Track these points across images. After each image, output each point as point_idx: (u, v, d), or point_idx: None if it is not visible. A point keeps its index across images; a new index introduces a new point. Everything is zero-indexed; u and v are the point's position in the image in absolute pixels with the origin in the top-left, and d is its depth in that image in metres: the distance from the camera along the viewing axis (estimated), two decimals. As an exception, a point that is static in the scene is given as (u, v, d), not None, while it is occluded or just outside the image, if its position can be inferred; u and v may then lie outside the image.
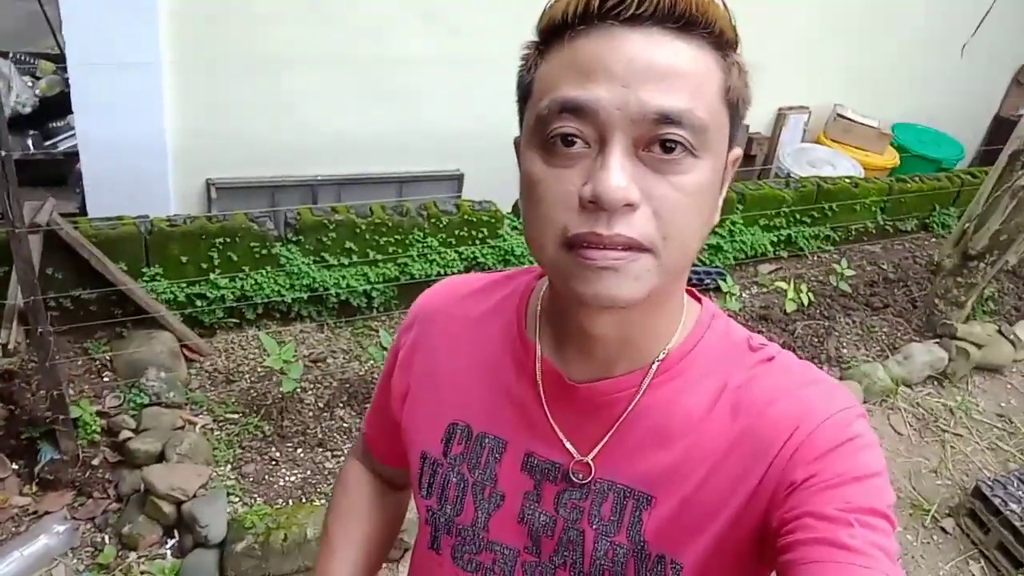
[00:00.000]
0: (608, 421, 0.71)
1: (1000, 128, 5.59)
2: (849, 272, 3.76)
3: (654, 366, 0.70)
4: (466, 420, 0.78)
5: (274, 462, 2.59)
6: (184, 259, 2.86)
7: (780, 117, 4.90)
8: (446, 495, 0.78)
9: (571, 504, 0.72)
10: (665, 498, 0.69)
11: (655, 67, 0.57)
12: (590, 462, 0.71)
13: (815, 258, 4.28)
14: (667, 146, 0.57)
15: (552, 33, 0.62)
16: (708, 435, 0.68)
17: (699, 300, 0.76)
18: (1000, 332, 3.79)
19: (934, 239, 4.67)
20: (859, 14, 4.70)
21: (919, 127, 5.30)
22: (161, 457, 2.46)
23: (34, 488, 2.39)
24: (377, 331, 3.05)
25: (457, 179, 4.00)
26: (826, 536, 0.58)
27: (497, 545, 0.77)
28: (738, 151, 0.67)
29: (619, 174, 0.57)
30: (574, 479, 0.72)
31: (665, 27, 0.58)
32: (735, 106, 0.63)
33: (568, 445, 0.72)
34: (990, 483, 2.81)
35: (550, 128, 0.59)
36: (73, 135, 3.41)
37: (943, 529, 2.85)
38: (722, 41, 0.60)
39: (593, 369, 0.71)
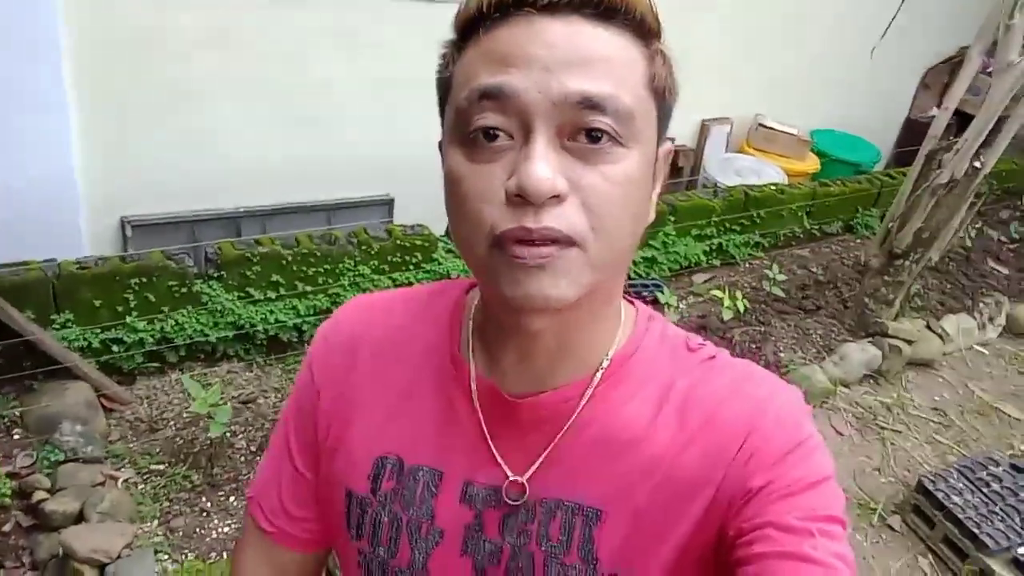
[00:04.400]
0: (550, 436, 0.67)
1: (911, 130, 5.82)
2: (781, 277, 3.81)
3: (597, 375, 0.66)
4: (397, 452, 0.71)
5: (205, 513, 2.44)
6: (97, 303, 2.69)
7: (704, 128, 4.99)
8: (378, 536, 0.71)
9: (518, 528, 0.67)
10: (616, 512, 0.65)
11: (576, 53, 0.55)
12: (524, 481, 0.67)
13: (747, 265, 4.34)
14: (593, 135, 0.55)
15: (469, 27, 0.59)
16: (656, 442, 0.65)
17: (633, 304, 0.73)
18: (928, 327, 3.89)
19: (859, 240, 4.80)
20: (773, 27, 4.84)
21: (837, 132, 5.47)
22: (80, 518, 2.29)
23: (-63, 563, 2.20)
24: (310, 366, 2.93)
25: (387, 204, 3.92)
26: (789, 549, 0.57)
27: None
28: (669, 146, 0.65)
29: (543, 165, 0.54)
30: (508, 500, 0.67)
31: (585, 15, 0.56)
32: (661, 95, 0.60)
33: (506, 467, 0.68)
34: (932, 478, 2.85)
35: (471, 120, 0.56)
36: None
37: (890, 527, 2.88)
38: (644, 29, 0.59)
39: (532, 381, 0.67)
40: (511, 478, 0.67)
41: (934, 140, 3.62)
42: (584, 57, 0.55)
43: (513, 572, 0.67)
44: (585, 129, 0.55)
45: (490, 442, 0.68)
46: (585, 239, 0.56)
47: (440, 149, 0.63)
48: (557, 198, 0.54)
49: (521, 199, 0.54)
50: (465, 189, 0.57)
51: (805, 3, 4.88)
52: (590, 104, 0.54)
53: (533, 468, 0.67)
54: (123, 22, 2.91)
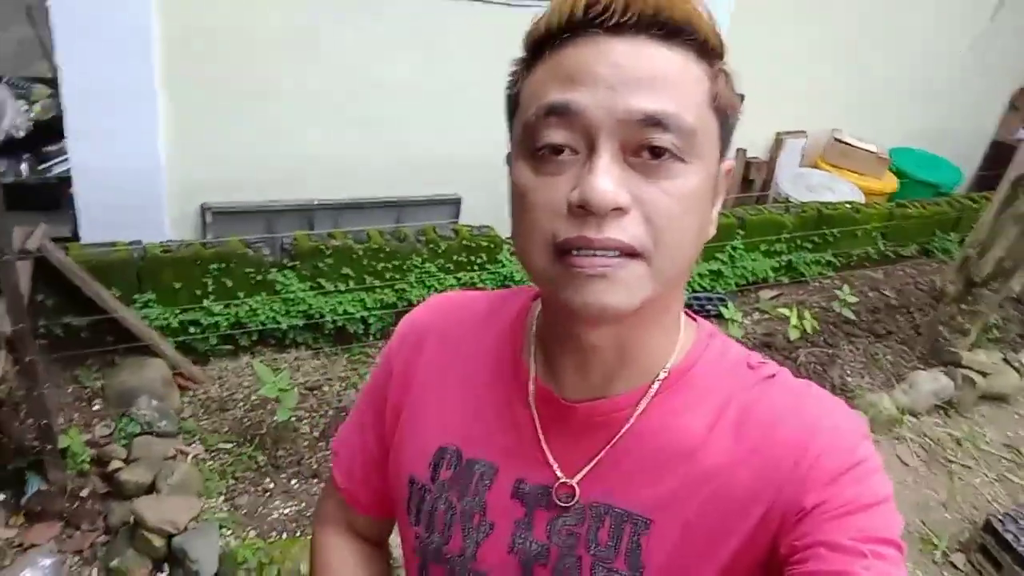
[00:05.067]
0: (604, 442, 0.68)
1: (998, 152, 5.60)
2: (851, 298, 3.72)
3: (654, 385, 0.67)
4: (456, 444, 0.75)
5: (268, 493, 2.53)
6: (178, 285, 2.81)
7: (778, 142, 4.90)
8: (434, 523, 0.75)
9: (566, 530, 0.69)
10: (665, 522, 0.66)
11: (641, 72, 0.57)
12: (574, 484, 0.68)
13: (817, 284, 4.25)
14: (656, 152, 0.57)
15: (538, 46, 0.61)
16: (710, 456, 0.65)
17: (694, 319, 0.74)
18: (1006, 360, 3.74)
19: (935, 264, 4.65)
20: (856, 39, 4.72)
21: (917, 151, 5.30)
22: (152, 488, 2.40)
23: (20, 520, 2.32)
24: (374, 358, 2.99)
25: (455, 203, 3.97)
26: (841, 569, 0.57)
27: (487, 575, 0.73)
28: (730, 163, 0.67)
29: (607, 178, 0.56)
30: (558, 501, 0.69)
31: (650, 35, 0.58)
32: (723, 113, 0.62)
33: (557, 468, 0.69)
34: (1001, 517, 2.75)
35: (538, 136, 0.59)
36: (67, 159, 3.37)
37: (953, 565, 2.78)
38: (707, 49, 0.61)
39: (590, 388, 0.69)
40: (561, 480, 0.69)
41: (1022, 165, 3.48)
42: (648, 76, 0.57)
43: (560, 573, 0.69)
44: (648, 146, 0.57)
45: (543, 443, 0.70)
46: (648, 251, 0.57)
47: (507, 162, 0.65)
48: (619, 211, 0.56)
49: (584, 211, 0.56)
50: (530, 200, 0.60)
51: (889, 17, 4.75)
52: (653, 122, 0.56)
53: (584, 472, 0.69)
54: (210, 16, 3.02)
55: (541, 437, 0.71)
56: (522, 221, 0.61)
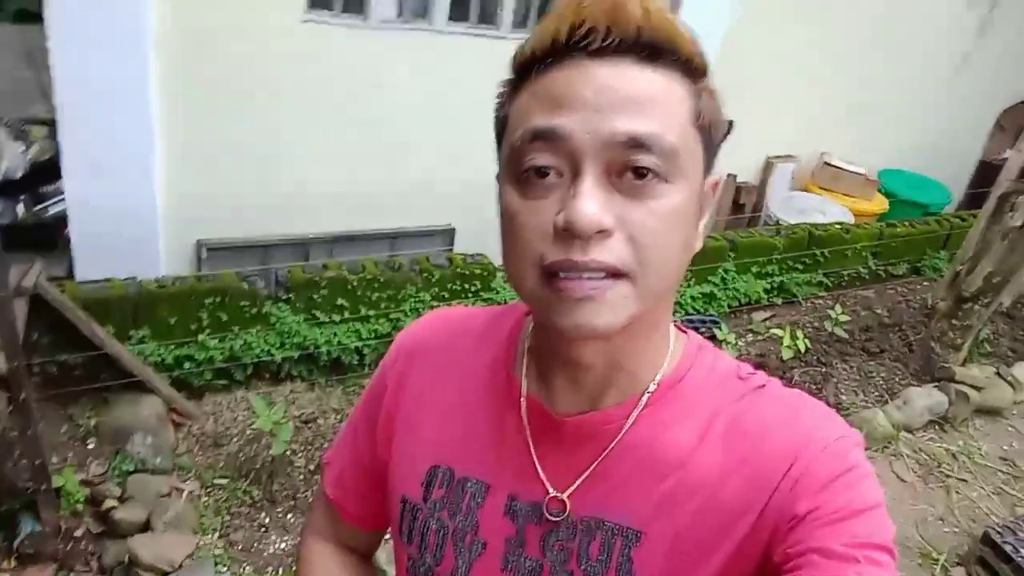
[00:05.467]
0: (594, 455, 0.68)
1: (985, 172, 5.66)
2: (844, 317, 3.74)
3: (644, 397, 0.68)
4: (449, 463, 0.75)
5: (263, 528, 2.51)
6: (173, 320, 2.82)
7: (768, 166, 4.95)
8: (426, 543, 0.75)
9: (558, 546, 0.69)
10: (656, 534, 0.66)
11: (624, 94, 0.58)
12: (564, 498, 0.69)
13: (809, 304, 4.27)
14: (639, 172, 0.58)
15: (524, 69, 0.62)
16: (700, 466, 0.65)
17: (684, 332, 0.74)
18: (998, 374, 3.75)
19: (926, 282, 4.68)
20: (844, 65, 4.80)
21: (906, 173, 5.36)
22: (147, 526, 2.39)
23: (13, 563, 2.30)
24: (369, 389, 3.00)
25: (449, 233, 4.00)
26: (835, 575, 0.57)
27: None
28: (716, 177, 0.67)
29: (591, 201, 0.57)
30: (549, 516, 0.69)
31: (633, 57, 0.59)
32: (707, 131, 0.63)
33: (548, 483, 0.70)
34: (999, 529, 2.74)
35: (524, 159, 0.60)
36: (63, 199, 3.40)
37: (954, 579, 2.78)
38: (690, 68, 0.61)
39: (581, 402, 0.69)
40: (552, 494, 0.69)
41: (1008, 182, 3.53)
42: (631, 98, 0.58)
43: None
44: (632, 167, 0.57)
45: (535, 458, 0.71)
46: (633, 271, 0.58)
47: (498, 180, 0.66)
48: (604, 233, 0.57)
49: (569, 233, 0.57)
50: (519, 223, 0.61)
51: (876, 41, 4.83)
52: (636, 143, 0.57)
53: (575, 486, 0.69)
54: (209, 51, 3.08)
55: (533, 452, 0.71)
56: (511, 244, 0.62)
